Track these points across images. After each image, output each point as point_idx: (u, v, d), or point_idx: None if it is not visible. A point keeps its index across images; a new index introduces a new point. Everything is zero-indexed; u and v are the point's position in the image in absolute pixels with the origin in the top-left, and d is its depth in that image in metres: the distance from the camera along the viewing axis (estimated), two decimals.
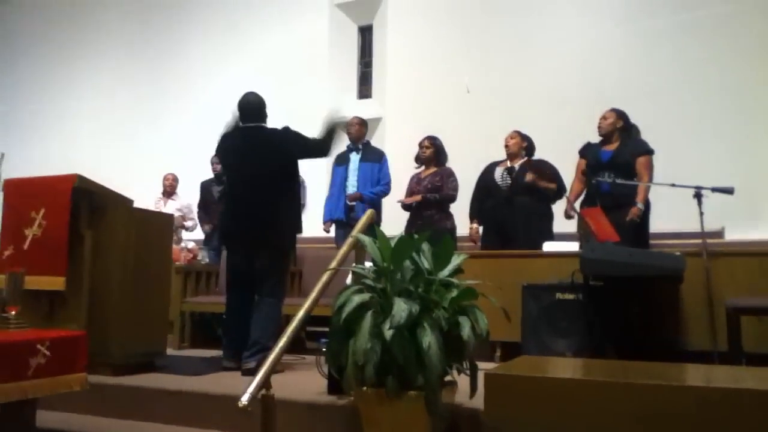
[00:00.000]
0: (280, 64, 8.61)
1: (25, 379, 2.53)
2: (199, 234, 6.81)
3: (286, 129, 4.01)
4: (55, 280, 3.52)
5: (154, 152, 8.89)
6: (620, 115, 4.81)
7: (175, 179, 7.21)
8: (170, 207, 6.78)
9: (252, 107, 4.04)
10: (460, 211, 5.35)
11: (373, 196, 5.39)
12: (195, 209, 6.91)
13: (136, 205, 3.90)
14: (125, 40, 9.99)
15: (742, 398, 1.75)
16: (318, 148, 3.98)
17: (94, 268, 3.66)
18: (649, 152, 4.68)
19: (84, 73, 10.17)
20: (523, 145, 5.17)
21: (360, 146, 5.58)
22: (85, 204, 3.68)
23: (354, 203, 5.40)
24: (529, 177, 4.94)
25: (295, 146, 3.96)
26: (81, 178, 3.62)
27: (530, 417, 1.99)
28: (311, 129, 3.99)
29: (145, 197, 6.56)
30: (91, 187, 3.69)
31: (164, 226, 4.16)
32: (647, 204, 4.62)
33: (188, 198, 7.09)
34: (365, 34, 9.04)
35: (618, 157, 4.66)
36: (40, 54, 10.57)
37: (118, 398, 3.30)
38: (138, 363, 3.69)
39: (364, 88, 8.96)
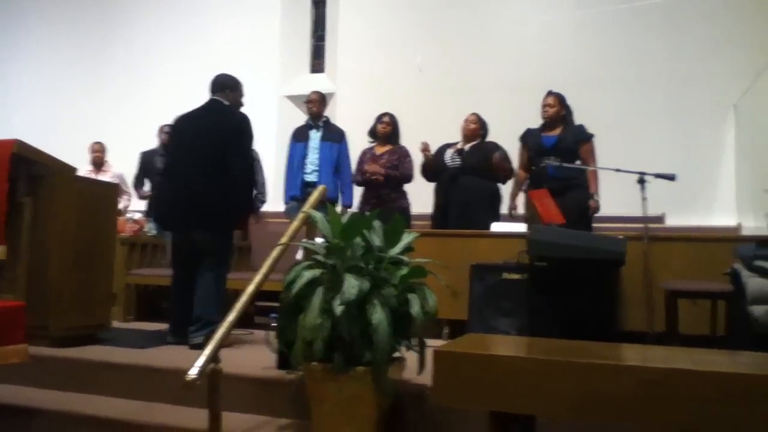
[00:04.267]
0: (231, 35, 8.43)
1: None
2: (145, 205, 6.61)
3: (247, 125, 3.93)
4: None
5: (96, 122, 8.60)
6: (561, 99, 4.87)
7: (102, 149, 6.74)
8: (100, 178, 6.48)
9: (218, 81, 4.03)
10: (414, 190, 5.38)
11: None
12: (128, 181, 6.59)
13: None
14: (69, 3, 9.60)
15: (677, 377, 1.82)
16: (243, 167, 3.90)
17: (33, 237, 3.53)
18: (590, 137, 4.77)
19: (24, 37, 9.74)
20: (479, 131, 5.21)
21: (321, 123, 5.51)
22: (24, 171, 3.54)
23: (314, 181, 5.32)
24: (496, 157, 4.97)
25: (238, 140, 3.88)
26: (20, 144, 3.49)
27: (475, 393, 2.03)
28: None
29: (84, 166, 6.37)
30: (30, 153, 3.55)
31: (109, 195, 4.05)
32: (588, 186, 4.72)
33: (117, 170, 6.69)
34: (319, 6, 8.91)
35: (562, 142, 4.73)
36: None
37: (59, 370, 3.24)
38: (80, 335, 3.63)
39: (317, 62, 8.86)
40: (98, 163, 6.71)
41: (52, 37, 9.59)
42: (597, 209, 4.62)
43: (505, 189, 5.17)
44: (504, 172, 5.05)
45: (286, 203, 5.45)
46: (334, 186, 5.28)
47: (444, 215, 5.06)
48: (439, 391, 2.05)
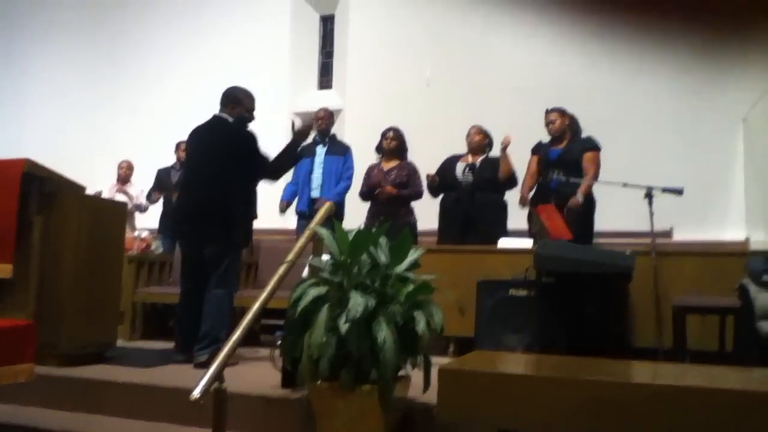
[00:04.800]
0: (240, 51, 8.50)
1: None
2: (153, 223, 6.67)
3: (248, 137, 3.95)
4: (2, 268, 3.41)
5: (109, 138, 8.68)
6: (563, 113, 4.86)
7: (130, 167, 7.05)
8: (123, 195, 6.65)
9: (225, 95, 4.04)
10: (421, 206, 5.38)
11: (338, 197, 5.37)
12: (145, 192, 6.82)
13: (91, 191, 3.81)
14: (81, 19, 9.70)
15: (686, 395, 1.80)
16: (268, 171, 3.98)
17: (43, 255, 3.54)
18: (596, 148, 4.75)
19: (37, 55, 9.85)
20: (485, 142, 5.22)
21: (326, 139, 5.54)
22: (35, 189, 3.56)
23: (317, 196, 5.33)
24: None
25: (247, 159, 3.90)
26: (31, 163, 3.51)
27: (482, 411, 2.02)
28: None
29: (100, 184, 6.44)
30: (41, 172, 3.57)
31: (117, 214, 4.07)
32: (592, 200, 4.70)
33: (140, 188, 6.93)
34: (327, 23, 8.98)
35: (566, 154, 4.74)
36: None
37: (66, 390, 3.23)
38: (87, 354, 3.62)
39: (325, 79, 8.91)
40: (124, 180, 6.99)
41: (65, 53, 9.69)
42: (577, 206, 4.53)
43: (513, 202, 5.15)
44: (508, 171, 5.05)
45: (282, 201, 5.50)
46: (340, 201, 5.30)
47: (455, 230, 5.04)
48: (446, 408, 2.04)
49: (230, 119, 3.97)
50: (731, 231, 6.10)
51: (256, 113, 4.12)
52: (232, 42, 8.64)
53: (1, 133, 9.20)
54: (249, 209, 4.00)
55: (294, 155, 4.06)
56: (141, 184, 6.95)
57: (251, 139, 3.94)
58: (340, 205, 5.29)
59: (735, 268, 3.63)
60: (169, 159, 6.60)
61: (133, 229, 6.49)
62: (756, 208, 6.02)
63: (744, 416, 1.74)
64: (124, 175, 7.01)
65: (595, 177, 4.65)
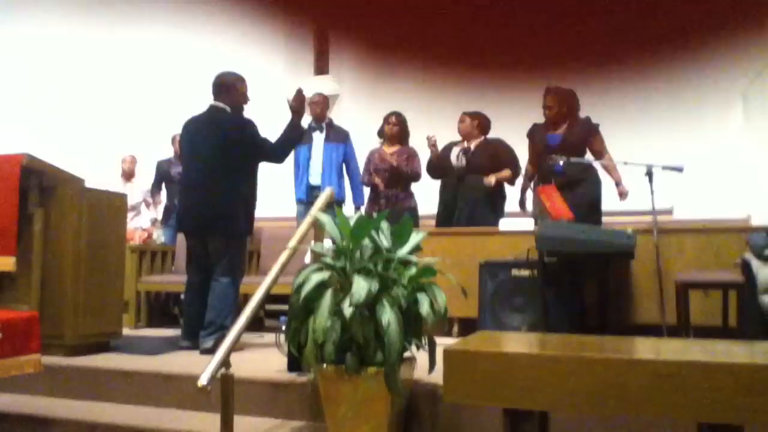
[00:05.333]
0: (235, 39, 8.46)
1: None
2: (160, 213, 6.69)
3: (245, 125, 3.93)
4: (4, 261, 3.43)
5: (106, 131, 8.66)
6: (561, 99, 4.67)
7: (134, 161, 7.03)
8: (129, 189, 6.62)
9: (216, 84, 3.99)
10: (421, 190, 5.38)
11: (360, 196, 5.41)
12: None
13: (94, 185, 3.83)
14: (77, 15, 9.65)
15: (692, 370, 1.81)
16: (272, 153, 3.97)
17: (45, 248, 3.59)
18: (597, 128, 4.70)
19: (29, 47, 9.79)
20: (473, 124, 5.19)
21: (323, 125, 5.52)
22: (34, 183, 3.59)
23: (319, 184, 5.34)
24: (487, 181, 4.96)
25: (248, 147, 3.90)
26: (30, 157, 3.53)
27: (487, 391, 2.03)
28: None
29: (99, 177, 6.42)
30: (40, 166, 3.59)
31: (117, 204, 4.07)
32: (599, 181, 4.69)
33: (147, 181, 6.90)
34: None
35: (567, 140, 4.67)
36: None
37: (72, 379, 3.26)
38: (93, 344, 3.65)
39: (321, 65, 8.86)
40: (129, 175, 6.98)
41: (61, 51, 9.63)
42: (625, 195, 4.56)
43: (510, 186, 5.16)
44: (505, 180, 5.05)
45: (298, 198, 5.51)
46: (339, 187, 5.29)
47: (450, 214, 5.05)
48: (451, 389, 2.04)
49: (227, 108, 3.95)
50: (732, 208, 6.10)
51: (253, 99, 4.10)
52: (226, 31, 8.59)
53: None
54: (251, 200, 3.98)
55: (295, 132, 4.00)
56: (146, 180, 6.95)
57: (250, 125, 3.92)
58: (342, 193, 5.31)
59: (736, 245, 3.64)
60: (167, 150, 6.58)
61: (140, 217, 6.53)
62: (756, 184, 6.02)
63: (748, 389, 1.75)
64: (129, 170, 6.99)
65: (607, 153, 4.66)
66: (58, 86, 9.48)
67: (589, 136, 4.68)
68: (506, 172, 5.03)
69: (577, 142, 4.65)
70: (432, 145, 5.11)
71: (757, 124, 6.17)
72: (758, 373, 1.77)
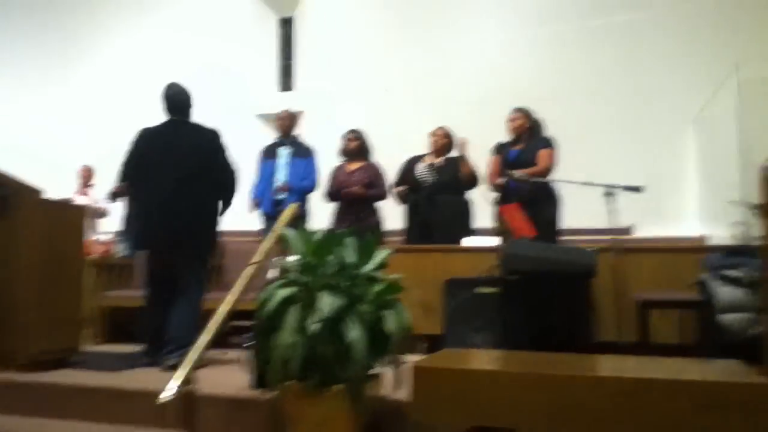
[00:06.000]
0: (199, 53, 8.41)
1: None
2: (114, 226, 6.54)
3: (215, 135, 3.90)
4: None
5: (63, 140, 8.51)
6: (526, 114, 4.93)
7: (90, 171, 6.86)
8: (87, 200, 6.49)
9: (175, 100, 3.91)
10: (384, 206, 5.39)
11: (302, 188, 5.34)
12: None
13: (51, 196, 3.74)
14: (32, 22, 9.47)
15: (651, 388, 1.85)
16: (231, 183, 3.94)
17: None
18: (551, 146, 4.82)
19: None
20: (446, 143, 5.26)
21: (289, 141, 5.51)
22: None
23: (283, 196, 5.30)
24: (464, 164, 5.01)
25: (217, 157, 3.88)
26: None
27: (452, 408, 2.04)
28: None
29: (60, 188, 6.27)
30: None
31: (76, 217, 3.98)
32: (557, 199, 4.76)
33: (101, 192, 6.75)
34: (286, 26, 8.94)
35: (523, 154, 4.80)
36: None
37: (28, 396, 3.16)
38: (50, 360, 3.54)
39: (286, 81, 8.87)
40: (86, 186, 6.79)
41: (15, 57, 9.44)
42: (511, 177, 4.61)
43: (477, 204, 5.21)
44: (469, 173, 5.09)
45: (254, 198, 5.45)
46: (303, 202, 5.28)
47: (424, 233, 5.04)
48: (417, 407, 2.05)
49: (192, 121, 3.92)
50: (687, 227, 6.27)
51: (218, 117, 4.08)
52: (190, 44, 8.55)
53: None
54: (216, 217, 3.94)
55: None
56: (101, 187, 6.77)
57: (225, 148, 3.91)
58: (302, 202, 5.28)
59: (691, 264, 3.74)
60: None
61: (96, 233, 6.37)
62: (709, 205, 6.20)
63: (708, 407, 1.79)
64: (86, 181, 6.82)
65: (546, 172, 4.72)
66: (17, 93, 9.29)
67: (539, 149, 4.78)
68: (470, 167, 5.09)
69: (530, 157, 4.76)
70: (401, 194, 5.18)
71: (707, 147, 6.38)
72: (715, 390, 1.82)
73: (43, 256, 3.57)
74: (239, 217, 5.37)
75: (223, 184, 3.91)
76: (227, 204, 4.00)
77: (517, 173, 4.57)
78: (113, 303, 4.98)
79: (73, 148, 7.90)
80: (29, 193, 3.63)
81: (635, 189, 3.99)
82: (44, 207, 3.67)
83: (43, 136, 8.77)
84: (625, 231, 5.97)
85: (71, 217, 3.91)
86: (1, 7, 9.61)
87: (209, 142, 3.86)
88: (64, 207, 4.08)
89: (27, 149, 8.29)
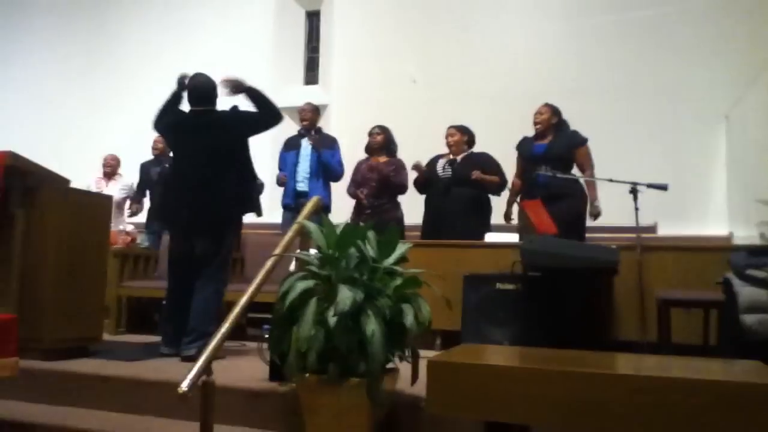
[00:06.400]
0: (224, 46, 8.46)
1: None
2: (139, 217, 6.62)
3: (234, 109, 3.93)
4: None
5: (92, 131, 8.62)
6: (554, 110, 4.90)
7: (115, 160, 6.86)
8: (111, 188, 6.53)
9: (202, 91, 3.94)
10: (407, 201, 5.39)
11: (329, 163, 5.35)
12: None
13: (73, 185, 3.79)
14: (59, 14, 9.60)
15: (671, 386, 1.82)
16: (268, 115, 3.90)
17: (26, 249, 3.52)
18: (584, 142, 4.80)
19: (16, 52, 9.73)
20: (463, 139, 5.23)
21: (312, 132, 5.53)
22: (17, 183, 3.54)
23: (304, 188, 5.31)
24: (475, 174, 4.99)
25: (245, 124, 3.90)
26: (13, 156, 3.49)
27: (469, 403, 2.03)
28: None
29: (84, 177, 6.36)
30: (24, 165, 3.55)
31: (102, 207, 4.03)
32: (585, 198, 4.74)
33: (129, 181, 6.80)
34: (312, 19, 8.96)
35: (552, 149, 4.76)
36: None
37: (50, 384, 3.21)
38: (72, 348, 3.60)
39: (311, 74, 8.89)
40: (110, 174, 6.78)
41: (44, 51, 9.59)
42: (598, 215, 4.62)
43: (496, 198, 5.18)
44: (490, 185, 5.05)
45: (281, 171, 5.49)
46: (326, 195, 5.30)
47: (435, 225, 5.06)
48: (433, 401, 2.04)
49: (217, 109, 3.96)
50: (714, 227, 6.18)
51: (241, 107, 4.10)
52: (216, 36, 8.60)
53: None
54: (240, 204, 3.96)
55: (256, 92, 3.91)
56: (128, 178, 6.86)
57: (236, 109, 3.92)
58: (326, 192, 5.31)
59: (718, 263, 3.67)
60: (149, 153, 6.53)
61: (122, 221, 6.43)
62: (738, 204, 6.09)
63: (728, 407, 1.76)
64: (111, 169, 6.81)
65: (592, 169, 4.70)
66: (42, 83, 9.43)
67: (573, 148, 4.75)
68: (493, 177, 5.05)
69: (561, 152, 4.73)
70: (418, 168, 5.14)
71: (738, 144, 6.26)
72: (736, 390, 1.79)
73: (69, 245, 3.62)
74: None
75: (265, 123, 3.90)
76: (273, 122, 3.94)
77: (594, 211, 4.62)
78: (135, 293, 5.04)
79: (98, 139, 7.99)
80: (57, 182, 3.68)
81: (661, 187, 3.94)
82: (71, 196, 3.73)
83: (68, 127, 8.90)
84: (650, 229, 5.92)
85: (97, 207, 3.96)
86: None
87: (232, 117, 3.88)
88: (90, 197, 4.14)
89: (52, 139, 8.42)
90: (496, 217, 5.18)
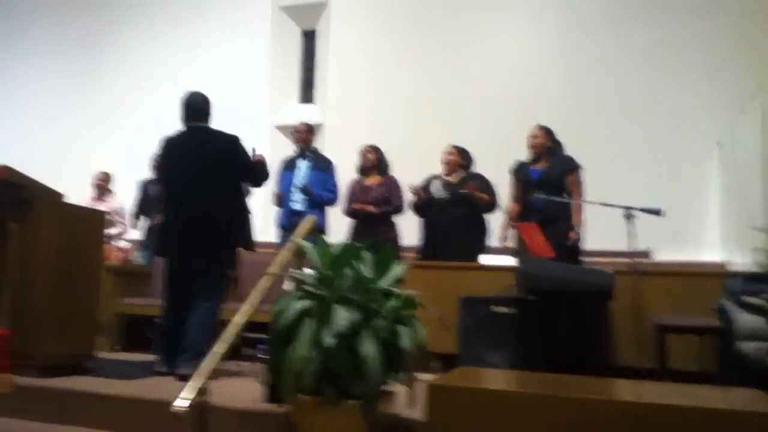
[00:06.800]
0: (221, 64, 8.50)
1: None
2: (134, 233, 6.58)
3: (235, 140, 3.93)
4: None
5: (87, 147, 8.62)
6: (548, 132, 4.91)
7: (106, 177, 6.83)
8: (102, 207, 6.49)
9: (196, 107, 3.95)
10: (403, 222, 5.39)
11: (321, 197, 5.35)
12: (126, 211, 6.63)
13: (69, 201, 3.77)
14: (58, 31, 9.65)
15: (670, 413, 1.82)
16: (258, 175, 4.00)
17: (18, 263, 3.49)
18: (576, 168, 4.79)
19: (15, 68, 9.75)
20: (460, 161, 5.24)
21: (309, 153, 5.54)
22: (11, 196, 3.50)
23: (300, 207, 5.31)
24: (469, 187, 5.00)
25: (236, 160, 3.90)
26: (8, 169, 3.46)
27: (466, 427, 2.02)
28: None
29: (79, 194, 6.33)
30: (17, 179, 3.52)
31: (95, 222, 4.01)
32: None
33: (121, 199, 6.74)
34: (309, 38, 9.02)
35: (547, 175, 4.76)
36: None
37: (43, 401, 3.16)
38: (65, 365, 3.55)
39: (307, 93, 8.94)
40: (101, 192, 6.74)
41: (42, 66, 9.62)
42: (577, 241, 4.61)
43: (494, 220, 5.19)
44: (480, 201, 5.05)
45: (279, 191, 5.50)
46: (321, 215, 5.29)
47: (431, 246, 5.06)
48: (431, 425, 2.03)
49: (212, 128, 3.96)
50: (708, 253, 6.20)
51: (238, 128, 4.11)
52: (212, 54, 8.65)
53: None
54: (236, 223, 3.96)
55: (262, 169, 4.03)
56: (118, 198, 6.80)
57: (240, 142, 3.93)
58: (321, 215, 5.30)
59: (713, 289, 3.68)
60: (148, 171, 6.51)
61: (115, 239, 6.41)
62: (732, 230, 6.12)
63: None
64: (102, 188, 6.78)
65: (581, 196, 4.71)
66: (39, 99, 9.44)
67: (565, 173, 4.76)
68: (484, 195, 5.05)
69: (555, 177, 4.74)
70: (416, 192, 5.15)
71: (731, 170, 6.31)
72: (735, 419, 1.79)
73: (62, 260, 3.60)
74: (256, 228, 5.41)
75: (250, 177, 4.01)
76: (256, 183, 4.09)
77: (572, 237, 4.58)
78: (130, 310, 5.00)
79: (95, 155, 7.99)
80: (50, 196, 3.66)
81: (655, 212, 3.96)
82: (64, 211, 3.71)
83: (64, 142, 8.89)
84: (644, 254, 5.92)
85: (91, 222, 3.94)
86: (27, 15, 9.79)
87: (229, 147, 3.89)
88: (84, 212, 4.12)
89: (48, 154, 8.41)
90: (493, 238, 5.17)
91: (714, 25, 6.70)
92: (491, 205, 5.11)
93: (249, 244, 4.11)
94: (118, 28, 9.32)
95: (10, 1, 9.91)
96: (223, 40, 8.73)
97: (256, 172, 3.97)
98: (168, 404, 2.29)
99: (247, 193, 4.37)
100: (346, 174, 5.58)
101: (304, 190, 5.33)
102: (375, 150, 5.49)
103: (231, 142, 3.91)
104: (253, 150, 3.95)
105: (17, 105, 9.53)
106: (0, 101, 9.67)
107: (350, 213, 5.39)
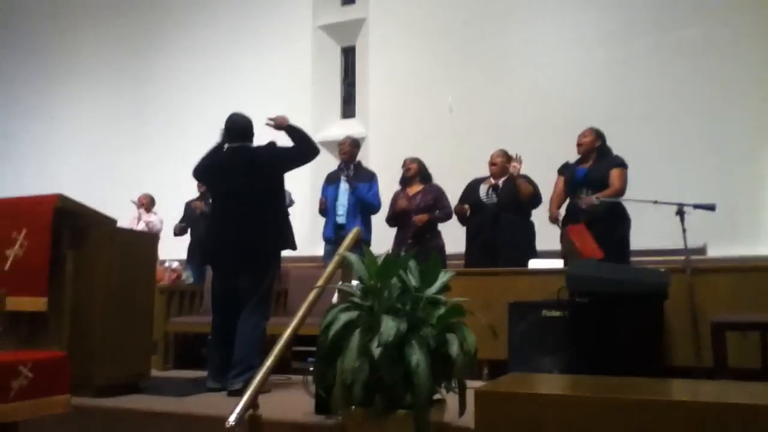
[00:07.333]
0: (264, 84, 8.65)
1: (7, 402, 2.48)
2: (182, 253, 6.73)
3: (271, 144, 4.01)
4: (36, 301, 3.45)
5: (135, 172, 8.85)
6: (598, 134, 4.85)
7: (147, 198, 7.08)
8: (142, 225, 6.72)
9: (238, 127, 4.03)
10: (448, 229, 5.36)
11: (365, 198, 5.38)
12: (159, 223, 6.89)
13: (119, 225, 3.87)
14: (107, 59, 9.98)
15: (728, 412, 1.75)
16: (304, 149, 4.01)
17: (76, 288, 3.60)
18: (622, 165, 4.71)
19: (66, 101, 10.12)
20: (507, 165, 5.21)
21: (352, 166, 5.59)
22: (67, 224, 3.63)
23: (343, 220, 5.35)
24: (519, 180, 4.96)
25: (282, 159, 3.99)
26: (63, 198, 3.59)
27: None
28: None
29: (128, 218, 6.53)
30: (73, 207, 3.65)
31: (148, 246, 4.12)
32: (628, 220, 4.64)
33: (159, 216, 6.99)
34: (348, 54, 9.11)
35: (592, 173, 4.70)
36: (18, 75, 10.51)
37: (101, 420, 3.25)
38: (121, 385, 3.64)
39: (348, 108, 9.02)
40: (146, 210, 7.01)
41: (91, 98, 9.97)
42: (591, 205, 4.48)
43: (540, 223, 5.11)
44: (523, 188, 5.01)
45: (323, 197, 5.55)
46: (365, 227, 5.31)
47: (488, 254, 4.98)
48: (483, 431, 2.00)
49: (252, 145, 4.04)
50: (763, 246, 5.99)
51: (281, 142, 4.18)
52: (255, 77, 8.81)
53: (39, 174, 9.43)
54: (280, 238, 4.01)
55: (298, 132, 4.04)
56: (166, 217, 7.01)
57: (273, 143, 4.01)
58: (366, 224, 5.32)
59: None
60: (193, 193, 6.66)
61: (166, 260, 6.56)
62: None
63: None
64: (145, 208, 7.05)
65: (621, 192, 4.60)
66: (88, 129, 9.76)
67: (609, 168, 4.67)
68: (528, 186, 5.02)
69: (600, 176, 4.66)
70: (462, 211, 5.16)
71: None
72: None
73: (117, 283, 3.69)
74: (302, 243, 5.46)
75: (300, 153, 4.01)
76: (306, 157, 4.05)
77: (586, 200, 4.47)
78: (181, 329, 5.09)
79: (142, 180, 8.20)
80: (104, 223, 3.77)
81: (708, 207, 3.85)
82: (118, 236, 3.81)
83: (114, 170, 9.17)
84: (699, 251, 5.75)
85: (143, 246, 4.05)
86: (81, 50, 10.15)
87: (270, 151, 3.97)
88: (136, 236, 4.24)
89: (99, 182, 8.68)
90: (541, 243, 5.10)
91: (759, 21, 6.50)
92: (535, 197, 5.06)
93: (292, 244, 4.13)
94: (164, 57, 9.59)
95: (65, 39, 10.28)
96: (265, 64, 8.89)
97: (302, 148, 3.99)
98: (222, 420, 2.31)
99: (291, 204, 4.41)
100: (390, 185, 5.60)
101: (349, 181, 5.36)
102: (416, 161, 5.51)
103: (269, 147, 4.00)
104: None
105: (69, 137, 9.90)
106: (53, 135, 10.03)
107: (394, 221, 5.40)
